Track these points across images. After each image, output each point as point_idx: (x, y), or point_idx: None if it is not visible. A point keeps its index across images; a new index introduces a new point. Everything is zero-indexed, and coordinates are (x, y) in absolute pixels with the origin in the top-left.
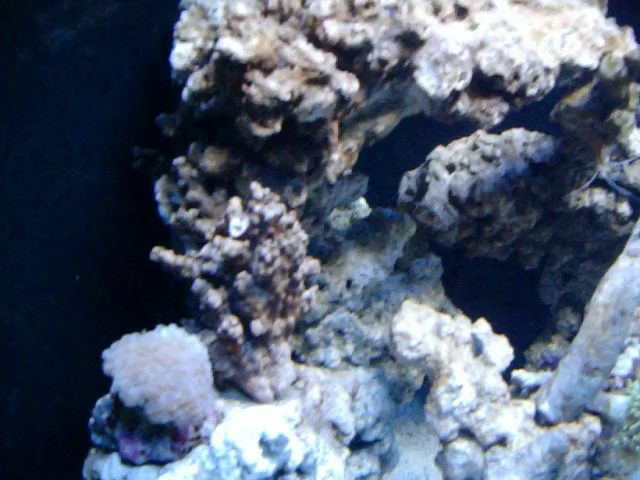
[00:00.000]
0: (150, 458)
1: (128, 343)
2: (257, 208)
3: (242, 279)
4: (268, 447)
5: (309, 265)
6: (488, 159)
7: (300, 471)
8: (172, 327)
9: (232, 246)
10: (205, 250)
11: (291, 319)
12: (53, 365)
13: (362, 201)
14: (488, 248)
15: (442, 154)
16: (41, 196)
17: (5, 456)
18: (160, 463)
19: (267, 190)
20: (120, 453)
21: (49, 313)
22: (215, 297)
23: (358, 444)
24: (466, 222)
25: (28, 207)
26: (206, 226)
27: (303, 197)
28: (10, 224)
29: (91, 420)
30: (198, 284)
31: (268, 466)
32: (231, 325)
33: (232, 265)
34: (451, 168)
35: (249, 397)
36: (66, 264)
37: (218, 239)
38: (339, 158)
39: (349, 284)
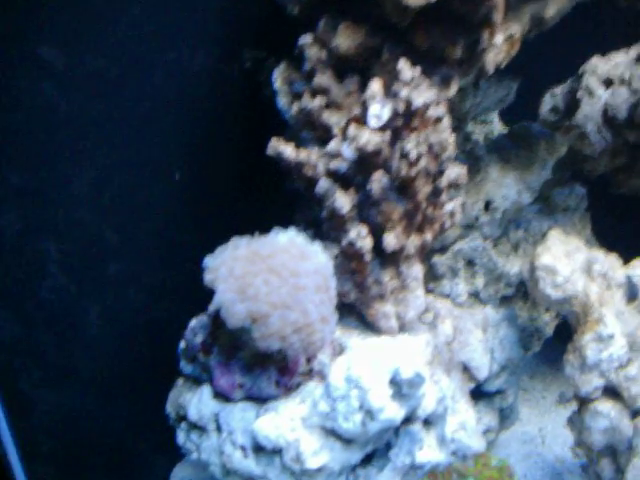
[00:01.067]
0: (249, 393)
1: (237, 248)
2: (404, 93)
3: (377, 181)
4: (400, 389)
5: (455, 172)
6: None
7: (427, 421)
8: (292, 231)
9: (369, 139)
10: (334, 144)
11: (428, 236)
12: (141, 279)
13: (496, 118)
14: None
15: (599, 66)
16: (140, 78)
17: (80, 381)
18: (261, 400)
19: (417, 71)
20: (213, 385)
21: (141, 220)
22: (343, 200)
23: (476, 394)
24: (620, 148)
25: (125, 90)
26: (334, 119)
27: (453, 89)
28: (106, 108)
29: (181, 344)
30: (323, 184)
31: (397, 412)
32: (360, 236)
33: (366, 163)
34: (609, 83)
35: (369, 326)
36: (163, 160)
37: (353, 129)
38: (500, 44)
39: (487, 206)
